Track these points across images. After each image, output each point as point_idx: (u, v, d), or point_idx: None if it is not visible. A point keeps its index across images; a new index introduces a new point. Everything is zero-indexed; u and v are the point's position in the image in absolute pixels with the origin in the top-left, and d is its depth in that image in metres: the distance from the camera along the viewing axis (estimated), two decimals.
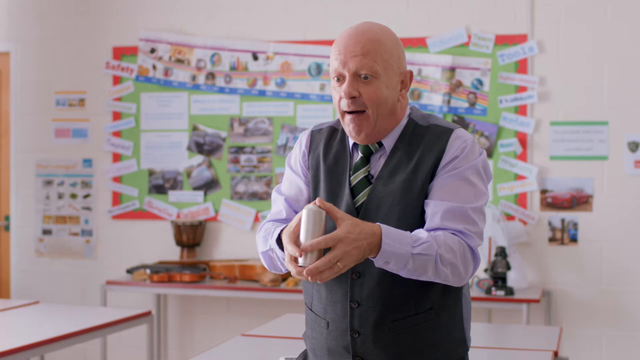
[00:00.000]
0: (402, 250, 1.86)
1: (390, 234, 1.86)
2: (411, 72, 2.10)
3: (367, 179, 2.07)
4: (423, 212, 2.01)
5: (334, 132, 2.17)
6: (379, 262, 1.87)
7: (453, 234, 1.95)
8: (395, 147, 2.07)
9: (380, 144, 2.09)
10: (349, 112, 2.03)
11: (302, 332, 2.27)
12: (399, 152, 2.06)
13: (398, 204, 2.01)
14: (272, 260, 2.16)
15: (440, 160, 2.01)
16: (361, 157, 2.09)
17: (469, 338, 2.15)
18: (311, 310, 2.15)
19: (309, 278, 1.82)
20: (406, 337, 2.03)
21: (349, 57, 2.00)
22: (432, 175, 2.01)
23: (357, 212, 2.05)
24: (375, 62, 1.99)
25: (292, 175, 2.20)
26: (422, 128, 2.07)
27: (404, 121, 2.10)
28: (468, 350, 2.15)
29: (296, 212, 2.16)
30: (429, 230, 1.96)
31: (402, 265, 1.87)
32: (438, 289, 2.03)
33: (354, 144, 2.11)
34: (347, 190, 2.07)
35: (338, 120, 2.17)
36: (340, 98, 2.03)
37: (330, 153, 2.14)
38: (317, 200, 1.87)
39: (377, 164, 2.08)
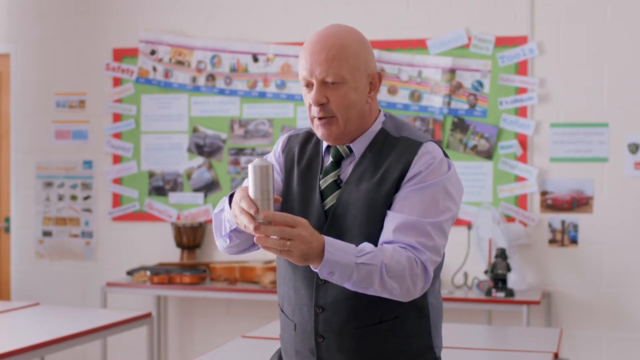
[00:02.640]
0: (345, 260, 1.84)
1: (333, 243, 1.85)
2: (379, 73, 2.08)
3: (336, 183, 2.07)
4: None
5: (309, 137, 2.18)
6: (323, 272, 1.85)
7: (403, 247, 1.92)
8: (364, 155, 2.07)
9: (350, 150, 2.09)
10: (319, 118, 2.04)
11: None
12: (367, 160, 2.06)
13: (362, 213, 2.02)
14: (221, 222, 2.09)
15: (405, 172, 2.00)
16: (331, 162, 2.10)
17: (438, 345, 2.14)
18: (282, 311, 2.18)
19: (255, 235, 1.79)
20: (370, 344, 2.04)
21: (315, 65, 2.00)
22: (396, 187, 2.00)
23: (325, 215, 2.06)
24: (341, 67, 1.99)
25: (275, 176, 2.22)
26: (393, 139, 2.06)
27: (376, 128, 2.09)
28: (437, 357, 2.14)
29: None
30: (382, 243, 1.95)
31: (347, 275, 1.85)
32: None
33: (326, 148, 2.12)
34: (317, 194, 2.08)
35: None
36: (310, 105, 2.04)
37: (303, 157, 2.15)
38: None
39: (347, 169, 2.08)
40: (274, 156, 2.22)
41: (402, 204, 1.97)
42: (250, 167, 1.84)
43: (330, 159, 2.10)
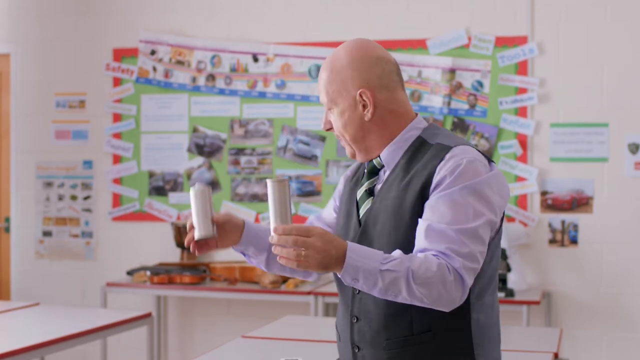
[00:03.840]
0: (369, 266, 1.82)
1: (356, 249, 1.84)
2: (364, 90, 2.03)
3: (369, 193, 2.09)
4: (414, 230, 1.96)
5: None
6: (346, 278, 1.84)
7: (435, 255, 1.87)
8: (398, 163, 2.05)
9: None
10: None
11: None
12: (399, 168, 2.04)
13: (389, 221, 2.00)
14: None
15: (431, 178, 1.95)
16: (366, 173, 2.12)
17: (487, 359, 2.06)
18: (336, 321, 2.23)
19: (274, 243, 1.83)
20: (402, 357, 2.00)
21: (319, 91, 2.12)
22: (422, 194, 1.96)
23: (359, 224, 2.08)
24: (326, 95, 2.06)
25: (332, 202, 2.32)
26: (427, 145, 2.03)
27: (412, 136, 2.07)
28: None
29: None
30: (416, 252, 1.91)
31: (372, 283, 1.83)
32: (438, 311, 1.94)
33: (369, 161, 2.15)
34: (354, 204, 2.12)
35: None
36: None
37: (355, 175, 2.22)
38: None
39: (383, 178, 2.09)
40: (342, 180, 2.30)
41: (432, 211, 1.91)
42: (268, 182, 1.89)
43: (365, 170, 2.14)
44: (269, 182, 1.88)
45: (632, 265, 4.88)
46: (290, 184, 1.93)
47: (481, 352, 2.04)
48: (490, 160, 2.02)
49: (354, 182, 2.18)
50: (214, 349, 3.33)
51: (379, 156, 2.08)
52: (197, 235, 2.04)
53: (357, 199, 2.11)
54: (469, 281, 1.88)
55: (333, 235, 1.83)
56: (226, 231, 2.13)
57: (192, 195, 1.94)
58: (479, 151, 2.01)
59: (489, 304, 2.06)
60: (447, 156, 1.96)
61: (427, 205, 1.94)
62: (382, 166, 2.09)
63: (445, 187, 1.92)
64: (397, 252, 1.87)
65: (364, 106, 2.04)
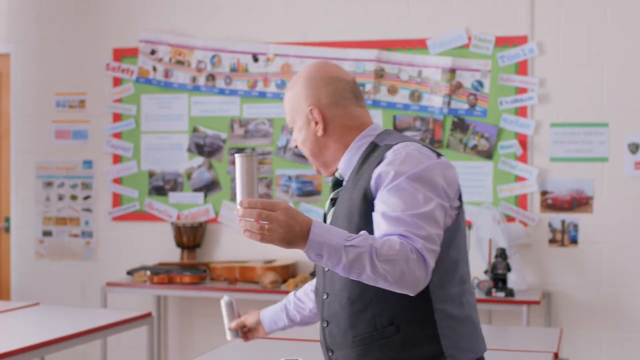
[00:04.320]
0: (333, 242, 1.83)
1: (321, 226, 1.86)
2: (313, 108, 2.15)
3: (332, 202, 2.18)
4: (367, 229, 1.99)
5: None
6: (311, 254, 1.85)
7: (397, 236, 1.91)
8: (353, 170, 2.14)
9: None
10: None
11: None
12: (352, 174, 2.13)
13: (343, 224, 2.06)
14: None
15: (372, 173, 2.02)
16: (330, 186, 2.24)
17: (454, 354, 2.06)
18: None
19: (239, 216, 1.87)
20: (371, 353, 2.05)
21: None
22: (366, 192, 2.02)
23: None
24: (287, 114, 2.21)
25: None
26: (377, 148, 2.10)
27: (364, 144, 2.15)
28: None
29: None
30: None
31: (336, 259, 1.84)
32: (399, 304, 2.00)
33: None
34: (322, 216, 2.26)
35: None
36: None
37: None
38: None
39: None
40: None
41: (384, 204, 1.96)
42: (236, 157, 1.94)
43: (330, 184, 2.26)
44: (237, 156, 1.92)
45: (632, 265, 4.88)
46: (257, 160, 1.95)
47: (449, 342, 2.05)
48: (438, 154, 2.08)
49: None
50: (214, 348, 3.33)
51: (338, 169, 2.19)
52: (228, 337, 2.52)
53: (325, 211, 2.21)
54: (431, 262, 1.91)
55: (298, 211, 1.85)
56: (252, 330, 2.55)
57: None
58: (424, 145, 2.08)
59: (456, 295, 2.08)
60: (388, 153, 2.03)
61: (378, 200, 1.99)
62: (342, 177, 2.18)
63: (392, 180, 1.97)
64: (362, 233, 1.91)
65: (316, 123, 2.15)
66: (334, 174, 2.20)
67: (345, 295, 2.07)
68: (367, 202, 2.01)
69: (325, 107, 2.14)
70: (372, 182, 2.00)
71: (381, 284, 1.88)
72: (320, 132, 2.14)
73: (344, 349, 2.09)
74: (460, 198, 2.07)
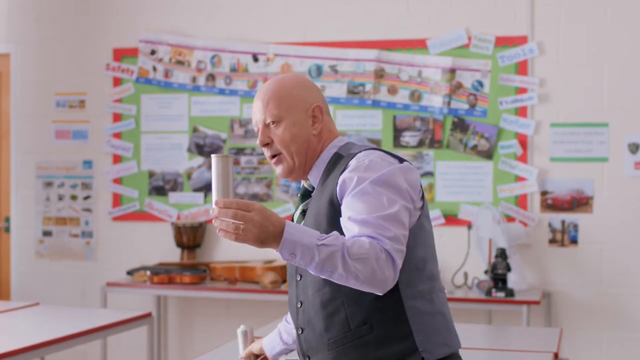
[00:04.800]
0: (306, 241, 1.89)
1: (294, 226, 1.91)
2: (318, 106, 2.19)
3: (303, 214, 2.22)
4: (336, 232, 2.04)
5: None
6: (284, 253, 1.90)
7: (366, 237, 1.96)
8: (321, 181, 2.18)
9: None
10: (271, 158, 2.21)
11: None
12: (319, 184, 2.18)
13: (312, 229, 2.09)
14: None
15: (337, 179, 2.08)
16: (299, 196, 2.26)
17: (430, 349, 2.09)
18: None
19: (214, 216, 1.89)
20: (346, 354, 2.10)
21: (255, 111, 2.21)
22: (331, 198, 2.08)
23: None
24: (275, 107, 2.17)
25: None
26: (341, 158, 2.16)
27: (329, 154, 2.20)
28: (429, 358, 2.10)
29: None
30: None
31: (309, 257, 1.89)
32: (371, 304, 2.06)
33: (300, 187, 2.29)
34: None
35: None
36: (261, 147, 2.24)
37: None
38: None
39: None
40: None
41: (349, 209, 2.01)
42: (212, 157, 1.95)
43: (299, 194, 2.28)
44: (213, 157, 1.95)
45: (632, 265, 4.88)
46: (234, 160, 2.00)
47: (422, 337, 2.10)
48: (401, 160, 2.12)
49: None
50: (214, 348, 3.33)
51: (307, 178, 2.22)
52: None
53: (294, 220, 2.23)
54: (399, 262, 1.96)
55: (272, 212, 1.90)
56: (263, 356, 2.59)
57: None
58: (387, 153, 2.13)
59: (426, 292, 2.13)
60: (352, 161, 2.09)
61: (344, 205, 2.04)
62: (313, 188, 2.22)
63: (355, 185, 2.03)
64: (334, 233, 1.95)
65: (314, 121, 2.19)
66: (300, 182, 2.25)
67: (318, 299, 2.12)
68: (334, 208, 2.07)
69: (322, 110, 2.21)
70: (337, 189, 2.06)
71: (352, 283, 1.93)
72: (316, 130, 2.19)
73: (320, 353, 2.13)
74: (423, 198, 2.13)
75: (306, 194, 2.25)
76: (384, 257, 1.93)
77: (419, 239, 2.11)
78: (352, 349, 2.09)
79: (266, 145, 2.19)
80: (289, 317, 2.53)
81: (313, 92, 2.22)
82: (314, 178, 2.21)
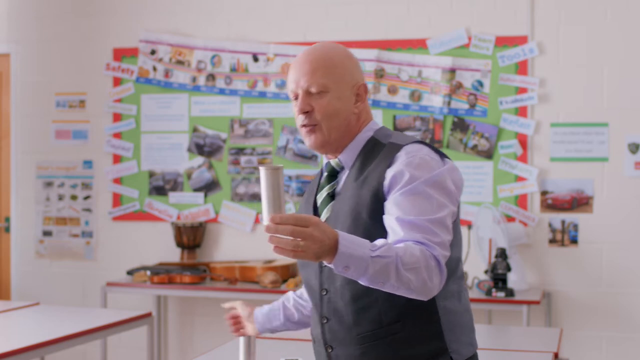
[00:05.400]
0: (360, 252, 1.80)
1: (346, 237, 1.83)
2: (365, 85, 2.14)
3: (330, 196, 2.13)
4: (372, 227, 2.00)
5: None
6: (338, 267, 1.81)
7: (413, 243, 1.91)
8: (354, 164, 2.12)
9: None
10: (304, 126, 2.12)
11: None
12: (354, 169, 2.11)
13: (347, 221, 2.04)
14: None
15: (384, 175, 2.02)
16: (326, 176, 2.17)
17: (457, 349, 2.09)
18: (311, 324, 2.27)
19: (270, 233, 1.77)
20: (375, 350, 2.05)
21: (300, 76, 2.10)
22: (377, 192, 2.01)
23: None
24: (324, 77, 2.08)
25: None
26: (380, 145, 2.10)
27: (365, 137, 2.14)
28: (458, 358, 2.10)
29: None
30: (394, 243, 1.94)
31: (363, 269, 1.81)
32: (404, 301, 2.00)
33: (325, 165, 2.19)
34: (311, 209, 2.18)
35: None
36: (297, 114, 2.13)
37: (312, 180, 2.27)
38: None
39: (341, 181, 2.14)
40: None
41: (397, 207, 1.96)
42: (261, 169, 1.84)
43: (325, 173, 2.17)
44: (261, 169, 1.84)
45: (632, 265, 4.88)
46: (283, 171, 1.88)
47: (452, 337, 2.08)
48: (443, 156, 2.09)
49: (308, 190, 2.25)
50: (214, 348, 3.33)
51: (338, 158, 2.15)
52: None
53: (318, 204, 2.15)
54: (445, 269, 1.93)
55: (326, 225, 1.81)
56: (240, 321, 2.51)
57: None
58: (430, 147, 2.09)
59: (455, 291, 2.11)
60: (399, 154, 2.03)
61: (391, 202, 1.98)
62: (342, 168, 2.15)
63: (406, 184, 1.98)
64: (381, 240, 1.89)
65: (357, 99, 2.13)
66: (328, 160, 2.17)
67: (348, 292, 2.05)
68: (378, 202, 2.01)
69: (367, 89, 2.16)
70: (386, 183, 2.00)
71: (401, 292, 1.88)
72: (357, 110, 2.13)
73: (347, 346, 2.08)
74: None
75: (333, 174, 2.16)
76: (434, 264, 1.89)
77: (454, 240, 2.07)
78: (382, 345, 2.04)
79: (306, 113, 2.10)
80: (299, 292, 2.45)
81: (359, 69, 2.16)
82: (346, 158, 2.13)
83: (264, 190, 1.83)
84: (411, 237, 1.91)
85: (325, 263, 1.85)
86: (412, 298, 1.94)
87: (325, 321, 2.12)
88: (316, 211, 2.16)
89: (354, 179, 2.08)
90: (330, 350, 2.12)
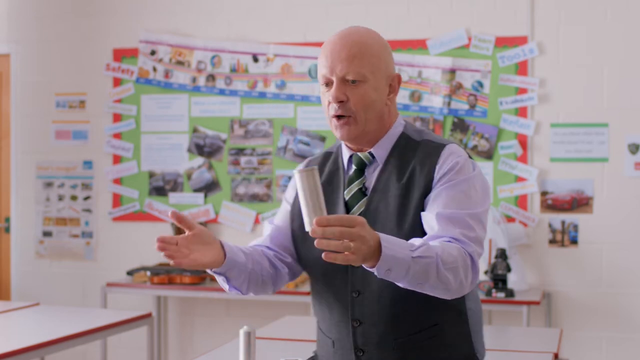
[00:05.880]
0: (402, 254, 1.74)
1: (388, 238, 1.76)
2: (399, 76, 2.07)
3: (362, 192, 2.05)
4: (417, 227, 1.97)
5: (327, 156, 2.16)
6: (381, 270, 1.74)
7: (449, 240, 1.88)
8: (388, 160, 2.05)
9: (373, 156, 2.06)
10: (338, 117, 2.01)
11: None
12: (391, 166, 2.03)
13: (391, 220, 1.99)
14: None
15: (432, 174, 1.98)
16: (355, 170, 2.07)
17: (480, 350, 2.10)
18: (319, 328, 2.16)
19: (318, 236, 1.66)
20: (412, 354, 2.00)
21: (336, 62, 1.98)
22: (425, 190, 1.97)
23: None
24: (362, 66, 1.98)
25: (286, 206, 2.19)
26: (414, 142, 2.05)
27: (397, 132, 2.07)
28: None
29: (282, 240, 2.14)
30: (429, 239, 1.90)
31: (404, 271, 1.75)
32: (441, 304, 1.97)
33: (349, 159, 2.09)
34: (341, 204, 2.05)
35: (334, 145, 2.19)
36: (329, 103, 2.01)
37: (323, 173, 2.11)
38: (170, 214, 1.80)
39: (372, 176, 2.06)
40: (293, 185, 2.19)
41: (437, 202, 1.94)
42: (295, 173, 1.76)
43: (354, 167, 2.07)
44: (296, 172, 1.74)
45: (632, 265, 4.88)
46: (317, 171, 1.78)
47: (476, 339, 2.09)
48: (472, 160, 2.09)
49: (325, 182, 2.09)
50: (213, 349, 3.33)
51: (368, 152, 2.07)
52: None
53: (346, 199, 2.05)
54: (479, 267, 1.90)
55: (368, 225, 1.72)
56: (205, 243, 1.92)
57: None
58: (464, 150, 2.08)
59: (475, 292, 2.12)
60: (444, 154, 2.00)
61: (432, 197, 1.95)
62: (370, 162, 2.06)
63: (448, 181, 1.95)
64: (417, 240, 1.83)
65: (390, 91, 2.05)
66: (352, 153, 2.07)
67: (387, 295, 1.98)
68: (423, 203, 1.98)
69: (400, 82, 2.09)
70: (435, 182, 1.97)
71: (438, 292, 1.84)
72: (390, 102, 2.05)
73: (381, 351, 2.01)
74: None
75: (361, 168, 2.07)
76: (469, 263, 1.87)
77: None
78: (418, 349, 2.00)
79: (341, 102, 1.99)
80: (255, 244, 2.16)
81: (393, 58, 2.08)
82: (379, 152, 2.05)
83: (301, 194, 1.73)
84: (448, 233, 1.89)
85: (365, 266, 1.76)
86: (445, 299, 1.91)
87: (357, 324, 2.03)
88: (346, 207, 2.06)
89: (397, 177, 2.01)
90: (360, 354, 2.04)
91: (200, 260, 1.87)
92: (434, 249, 1.81)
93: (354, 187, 2.06)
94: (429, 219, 1.93)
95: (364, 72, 1.98)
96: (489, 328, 4.39)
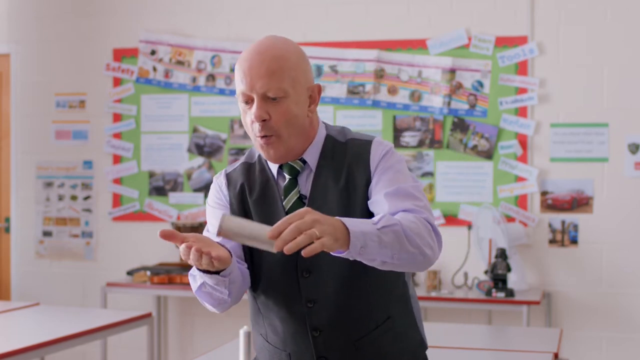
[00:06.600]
0: (368, 228, 1.71)
1: (347, 219, 1.72)
2: (319, 86, 2.02)
3: (301, 200, 2.00)
4: None
5: (250, 167, 2.09)
6: (355, 248, 1.70)
7: (403, 212, 1.87)
8: (320, 165, 2.01)
9: (304, 162, 2.02)
10: (262, 137, 1.95)
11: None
12: (325, 170, 2.00)
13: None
14: (210, 294, 1.95)
15: (369, 169, 1.98)
16: (289, 179, 2.02)
17: (425, 336, 2.14)
18: (267, 342, 2.09)
19: (280, 246, 1.62)
20: (370, 351, 2.02)
21: (255, 79, 1.91)
22: (367, 187, 1.97)
23: None
24: (282, 81, 1.91)
25: (218, 214, 2.08)
26: (341, 144, 2.03)
27: (321, 137, 2.04)
28: (426, 349, 2.14)
29: (235, 249, 2.05)
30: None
31: (377, 244, 1.71)
32: (390, 297, 2.01)
33: (279, 169, 2.04)
34: (282, 215, 1.99)
35: (249, 154, 2.11)
36: (252, 122, 1.95)
37: (254, 187, 2.05)
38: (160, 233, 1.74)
39: (306, 183, 2.02)
40: (220, 197, 2.08)
41: (379, 186, 1.95)
42: (221, 227, 1.70)
43: (287, 177, 2.03)
44: (223, 226, 1.70)
45: (632, 266, 4.88)
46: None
47: (421, 326, 2.12)
48: None
49: (258, 195, 2.04)
50: (213, 348, 3.33)
51: (299, 159, 2.01)
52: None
53: (286, 209, 1.99)
54: (439, 231, 1.90)
55: (316, 210, 1.69)
56: (209, 244, 1.85)
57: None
58: None
59: (410, 280, 2.14)
60: (373, 148, 2.00)
61: (373, 185, 1.96)
62: (302, 169, 2.02)
63: (383, 167, 1.98)
64: (376, 217, 1.80)
65: (311, 101, 2.00)
66: (288, 163, 2.01)
67: (344, 297, 1.97)
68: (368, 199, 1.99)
69: (321, 91, 2.04)
70: (374, 179, 1.96)
71: (416, 262, 1.80)
72: (311, 114, 1.99)
73: (343, 354, 2.01)
74: None
75: (294, 177, 2.01)
76: (430, 227, 1.86)
77: None
78: (378, 345, 2.01)
79: (264, 121, 1.92)
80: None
81: (311, 68, 2.03)
82: (309, 159, 2.01)
83: (241, 236, 1.70)
84: (400, 207, 1.88)
85: (305, 273, 1.78)
86: (393, 288, 1.95)
87: (317, 333, 2.00)
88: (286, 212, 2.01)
89: (334, 180, 1.99)
90: None
91: (224, 254, 1.79)
92: (394, 218, 1.79)
93: (292, 196, 2.01)
94: (378, 202, 1.93)
95: (285, 87, 1.91)
96: (489, 328, 4.39)
